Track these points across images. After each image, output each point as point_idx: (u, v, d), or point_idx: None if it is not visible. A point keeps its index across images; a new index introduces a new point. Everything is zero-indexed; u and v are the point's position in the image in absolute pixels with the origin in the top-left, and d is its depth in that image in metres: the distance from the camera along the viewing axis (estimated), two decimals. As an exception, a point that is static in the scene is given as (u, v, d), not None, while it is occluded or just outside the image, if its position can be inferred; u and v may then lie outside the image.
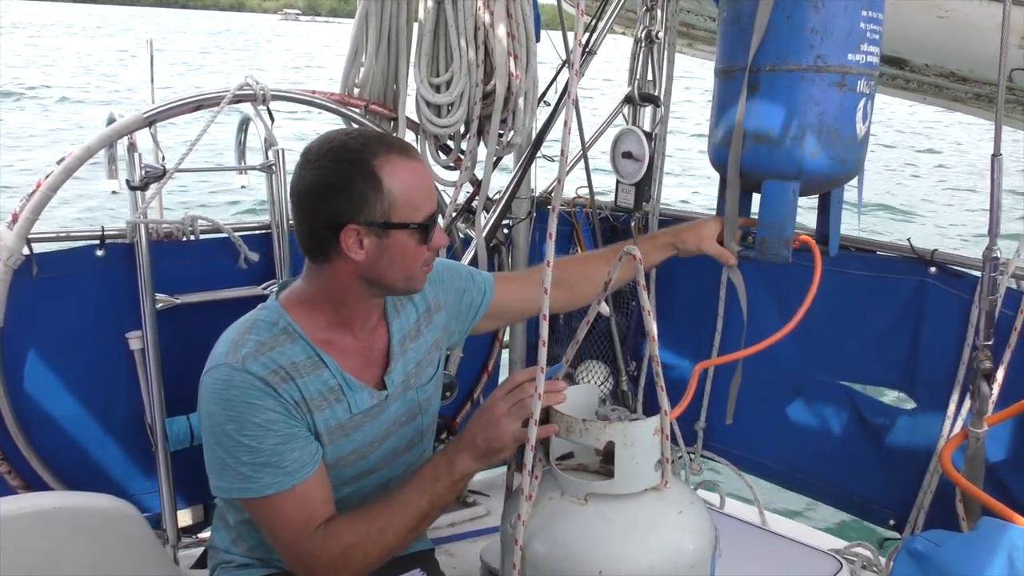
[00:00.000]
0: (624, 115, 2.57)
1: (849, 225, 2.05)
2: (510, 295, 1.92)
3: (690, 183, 12.18)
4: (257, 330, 1.52)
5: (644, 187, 2.15)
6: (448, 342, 1.85)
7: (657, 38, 2.37)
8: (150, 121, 2.05)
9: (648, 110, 2.48)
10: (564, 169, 1.22)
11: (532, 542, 1.28)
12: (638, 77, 2.41)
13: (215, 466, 1.50)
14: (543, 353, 1.24)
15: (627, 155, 2.14)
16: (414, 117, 2.43)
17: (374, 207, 1.45)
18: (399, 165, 1.47)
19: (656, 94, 2.44)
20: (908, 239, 2.26)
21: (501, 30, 2.32)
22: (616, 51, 2.53)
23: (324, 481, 1.53)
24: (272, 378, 1.47)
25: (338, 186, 1.45)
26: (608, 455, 1.31)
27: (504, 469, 2.99)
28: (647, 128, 2.40)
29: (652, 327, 1.33)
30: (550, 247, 1.21)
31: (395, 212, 1.47)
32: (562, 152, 1.20)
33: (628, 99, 2.43)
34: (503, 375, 2.95)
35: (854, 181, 1.85)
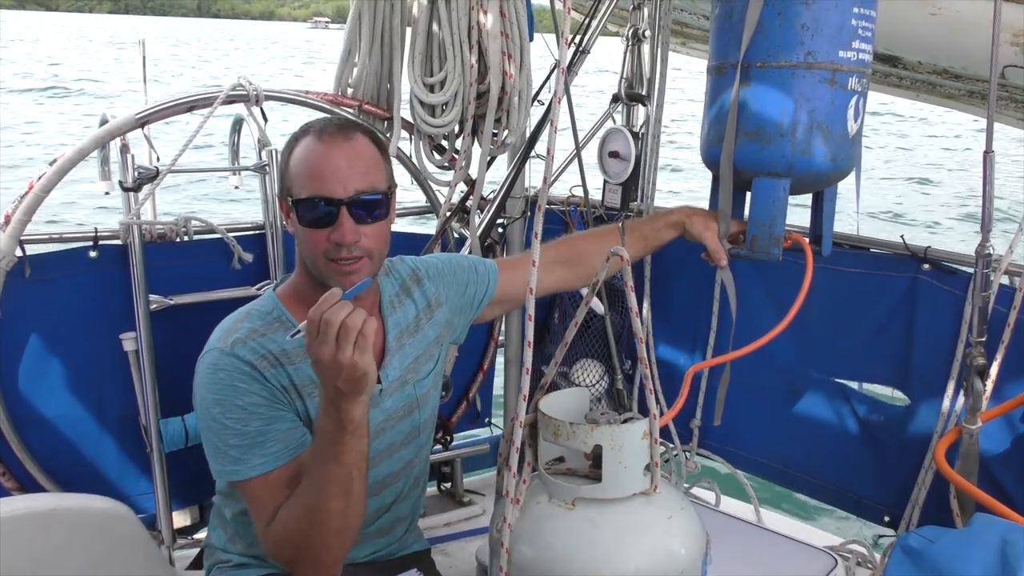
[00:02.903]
0: (620, 114, 2.57)
1: (847, 224, 2.05)
2: (515, 282, 1.92)
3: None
4: (251, 318, 1.56)
5: (631, 187, 2.14)
6: (451, 336, 1.86)
7: (644, 36, 2.37)
8: (143, 122, 2.05)
9: (640, 109, 2.48)
10: (550, 168, 1.23)
11: (519, 546, 1.27)
12: (626, 76, 2.41)
13: (210, 449, 1.54)
14: (529, 354, 1.24)
15: (614, 155, 2.13)
16: (408, 117, 2.43)
17: (283, 181, 1.55)
18: (307, 144, 1.52)
19: (645, 93, 2.44)
20: (901, 236, 2.26)
21: (494, 29, 2.32)
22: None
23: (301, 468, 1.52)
24: (260, 363, 1.49)
25: (279, 162, 1.59)
26: (597, 459, 1.30)
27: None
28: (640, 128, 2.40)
29: (640, 328, 1.32)
30: (535, 246, 1.22)
31: (290, 187, 1.52)
32: (548, 151, 1.20)
33: (616, 98, 2.42)
34: (499, 374, 2.95)
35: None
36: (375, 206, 1.51)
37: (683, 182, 11.78)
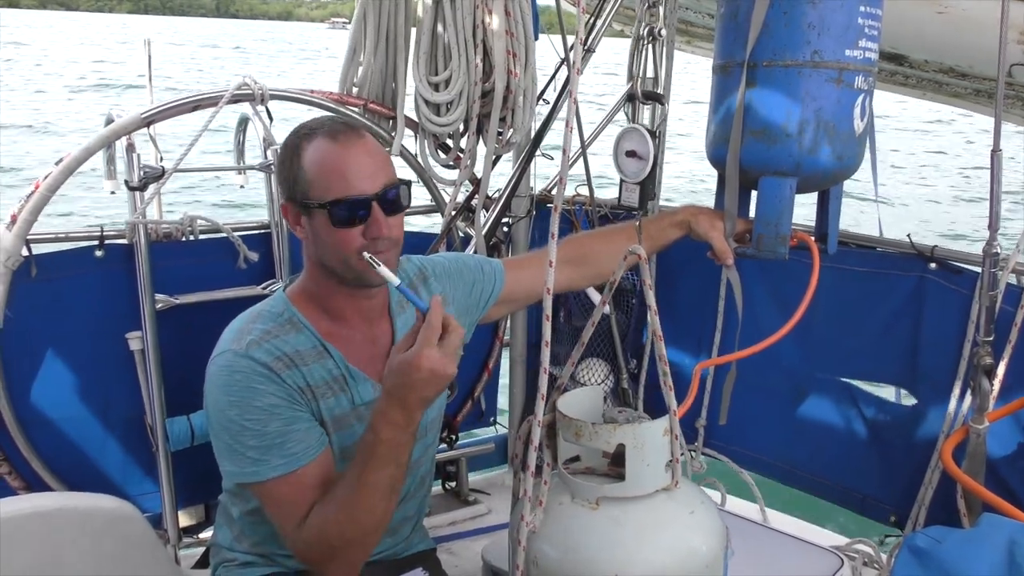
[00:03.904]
0: (627, 113, 2.56)
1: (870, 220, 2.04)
2: (521, 281, 1.91)
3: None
4: (263, 320, 1.56)
5: (649, 185, 2.13)
6: None
7: (660, 35, 2.36)
8: (148, 121, 2.05)
9: (649, 108, 2.47)
10: (566, 167, 1.22)
11: (544, 548, 1.27)
12: (640, 75, 2.40)
13: (223, 451, 1.52)
14: (546, 354, 1.24)
15: (631, 154, 2.12)
16: (413, 116, 2.42)
17: (293, 186, 1.52)
18: (320, 146, 1.51)
19: (659, 91, 2.43)
20: (908, 235, 2.25)
21: (499, 28, 2.32)
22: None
23: (324, 466, 1.53)
24: (276, 364, 1.49)
25: (279, 167, 1.56)
26: (616, 457, 1.29)
27: (506, 467, 3.01)
28: (648, 126, 2.39)
29: (658, 326, 1.32)
30: (552, 246, 1.21)
31: (309, 191, 1.51)
32: (564, 151, 1.20)
33: (631, 96, 2.41)
34: (504, 374, 2.95)
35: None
36: (399, 197, 1.54)
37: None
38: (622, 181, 2.19)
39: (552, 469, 1.34)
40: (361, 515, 1.45)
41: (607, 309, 2.52)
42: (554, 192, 2.86)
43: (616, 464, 1.30)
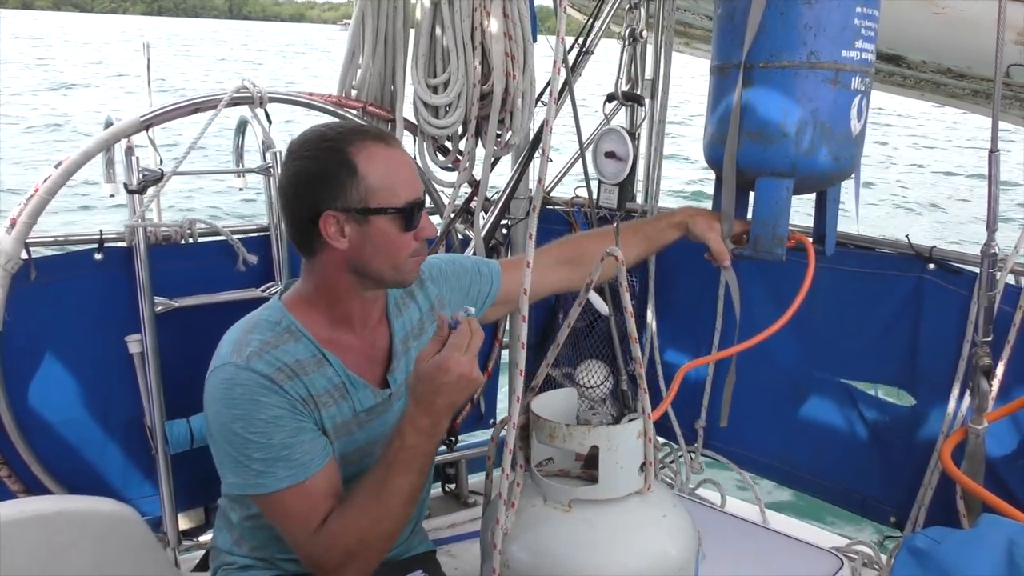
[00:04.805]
0: (623, 114, 2.57)
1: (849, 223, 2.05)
2: (517, 283, 1.90)
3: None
4: (260, 329, 1.53)
5: (628, 187, 2.14)
6: None
7: (640, 36, 2.37)
8: (147, 124, 2.06)
9: (635, 109, 2.48)
10: (545, 169, 1.22)
11: (515, 550, 1.26)
12: (622, 76, 2.40)
13: (227, 464, 1.51)
14: (522, 356, 1.23)
15: (610, 155, 2.13)
16: (412, 118, 2.43)
17: (350, 193, 1.46)
18: (375, 151, 1.48)
19: (640, 93, 2.43)
20: (907, 236, 2.25)
21: (498, 30, 2.33)
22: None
23: (332, 475, 1.53)
24: (277, 376, 1.48)
25: (315, 175, 1.47)
26: (590, 460, 1.29)
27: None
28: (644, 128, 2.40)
29: (634, 329, 1.32)
30: (530, 247, 1.22)
31: (372, 198, 1.47)
32: (543, 151, 1.21)
33: (611, 97, 2.42)
34: (503, 375, 2.95)
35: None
36: None
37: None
38: (600, 182, 2.19)
39: (524, 471, 1.34)
40: (381, 521, 1.45)
41: (605, 310, 2.52)
42: (553, 194, 2.87)
43: (589, 467, 1.30)
